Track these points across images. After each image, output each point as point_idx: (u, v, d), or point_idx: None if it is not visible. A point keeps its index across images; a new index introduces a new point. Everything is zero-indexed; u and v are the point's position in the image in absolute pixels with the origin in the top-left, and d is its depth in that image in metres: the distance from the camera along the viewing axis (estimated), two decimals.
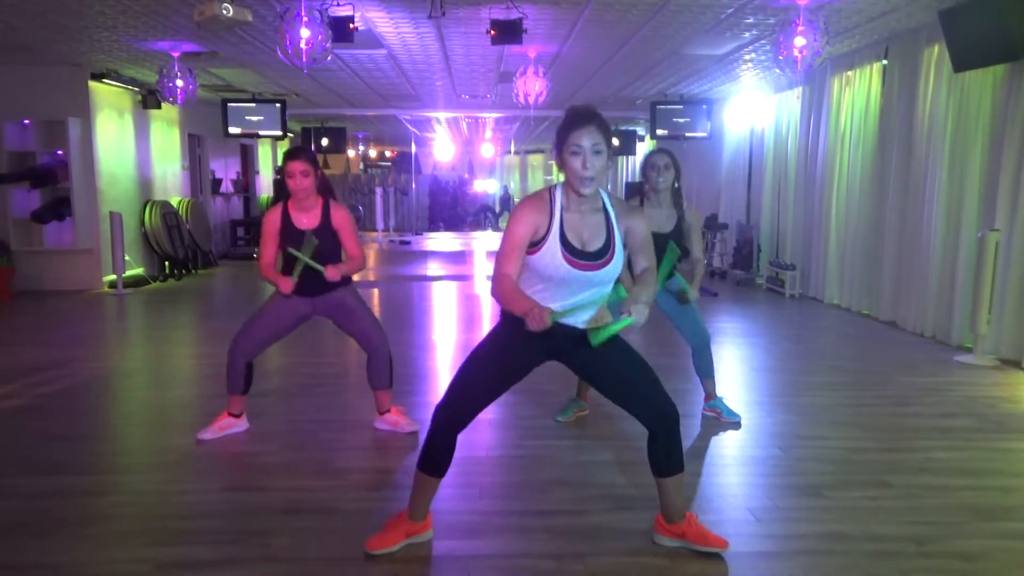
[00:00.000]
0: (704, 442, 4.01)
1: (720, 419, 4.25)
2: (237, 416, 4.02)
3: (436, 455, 2.69)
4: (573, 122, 2.45)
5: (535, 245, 2.51)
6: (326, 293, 3.85)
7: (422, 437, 3.91)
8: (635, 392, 2.64)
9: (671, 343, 5.77)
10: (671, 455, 2.67)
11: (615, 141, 2.56)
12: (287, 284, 3.72)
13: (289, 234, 3.76)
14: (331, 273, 3.72)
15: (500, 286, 2.48)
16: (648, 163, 4.03)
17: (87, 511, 3.10)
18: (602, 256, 2.53)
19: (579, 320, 2.60)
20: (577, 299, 2.54)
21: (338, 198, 3.97)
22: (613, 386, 2.68)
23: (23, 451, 3.80)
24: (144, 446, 4.02)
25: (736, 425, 4.20)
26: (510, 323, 2.61)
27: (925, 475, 3.50)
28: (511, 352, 2.66)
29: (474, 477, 3.43)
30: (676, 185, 4.06)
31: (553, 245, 2.49)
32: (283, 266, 3.85)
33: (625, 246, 2.60)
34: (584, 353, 2.61)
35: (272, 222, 3.78)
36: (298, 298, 3.83)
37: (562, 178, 2.57)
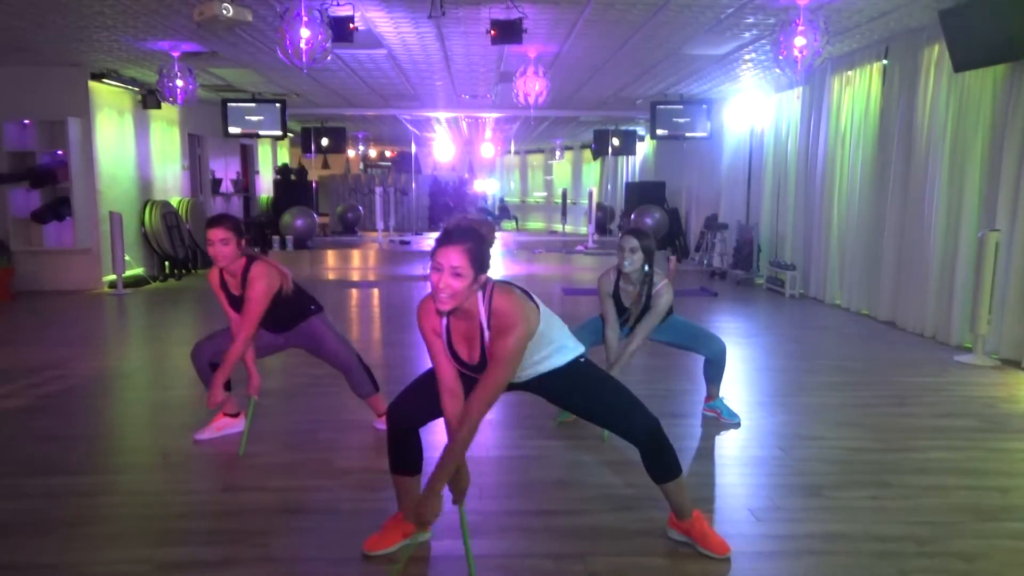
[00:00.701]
0: (704, 442, 4.01)
1: (720, 419, 4.25)
2: (234, 416, 4.01)
3: (401, 453, 2.74)
4: (441, 239, 2.38)
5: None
6: (294, 327, 3.89)
7: (425, 437, 3.93)
8: (611, 417, 2.71)
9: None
10: (662, 465, 2.69)
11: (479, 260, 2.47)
12: (213, 396, 3.65)
13: (229, 298, 3.76)
14: (212, 397, 3.64)
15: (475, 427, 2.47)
16: (618, 244, 3.94)
17: (87, 511, 3.10)
18: (482, 369, 2.49)
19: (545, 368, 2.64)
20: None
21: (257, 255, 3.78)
22: (589, 412, 2.75)
23: (23, 451, 3.80)
24: (144, 446, 4.02)
25: (736, 425, 4.20)
26: None
27: (925, 475, 3.50)
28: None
29: (474, 477, 3.40)
30: (646, 268, 3.89)
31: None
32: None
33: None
34: (553, 386, 2.69)
35: (214, 281, 3.79)
36: (268, 332, 3.87)
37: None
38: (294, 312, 3.86)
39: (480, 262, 2.36)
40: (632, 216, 12.69)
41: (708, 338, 4.21)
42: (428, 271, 2.37)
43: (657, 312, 3.97)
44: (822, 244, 8.51)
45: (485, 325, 2.44)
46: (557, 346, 2.63)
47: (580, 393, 2.71)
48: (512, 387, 2.64)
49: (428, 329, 2.54)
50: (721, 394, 4.36)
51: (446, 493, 2.51)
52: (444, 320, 2.51)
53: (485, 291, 2.43)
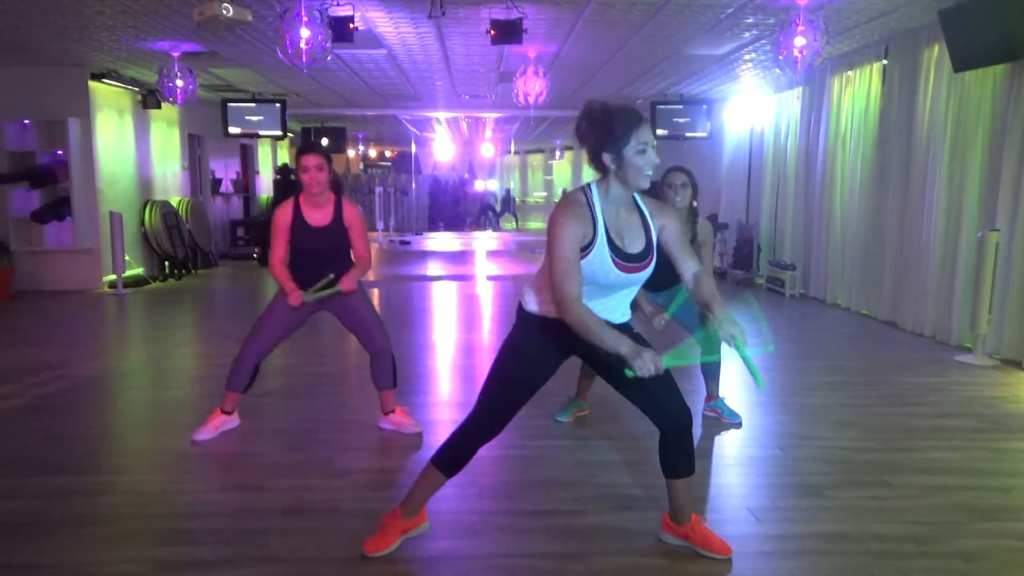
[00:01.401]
0: (704, 442, 4.01)
1: (721, 419, 4.25)
2: (230, 413, 4.01)
3: (459, 458, 2.70)
4: (637, 120, 2.40)
5: (582, 251, 2.43)
6: (334, 296, 3.85)
7: (428, 438, 3.94)
8: (651, 395, 2.62)
9: (673, 343, 5.76)
10: (683, 457, 2.66)
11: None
12: (296, 297, 3.71)
13: (300, 230, 3.76)
14: (347, 285, 3.75)
15: (582, 318, 2.35)
16: (665, 181, 3.95)
17: (87, 511, 3.10)
18: (644, 258, 2.50)
19: (618, 316, 2.58)
20: (682, 347, 2.51)
21: (349, 196, 3.97)
22: (631, 387, 2.62)
23: (23, 451, 3.80)
24: (144, 446, 4.02)
25: (737, 425, 4.21)
26: (527, 325, 2.61)
27: (925, 475, 3.50)
28: (535, 355, 2.63)
29: (474, 477, 3.42)
30: (694, 204, 3.97)
31: (602, 251, 2.43)
32: (291, 261, 3.83)
33: (659, 245, 2.56)
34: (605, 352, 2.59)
35: (283, 218, 3.77)
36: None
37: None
38: (340, 270, 3.83)
39: None
40: None
41: (709, 332, 4.16)
42: (635, 153, 2.38)
43: (709, 245, 3.98)
44: (822, 244, 8.51)
45: (644, 208, 2.52)
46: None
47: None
48: (571, 345, 2.59)
49: (574, 234, 2.40)
50: (721, 394, 4.36)
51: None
52: (601, 217, 2.45)
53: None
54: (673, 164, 4.09)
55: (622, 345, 2.30)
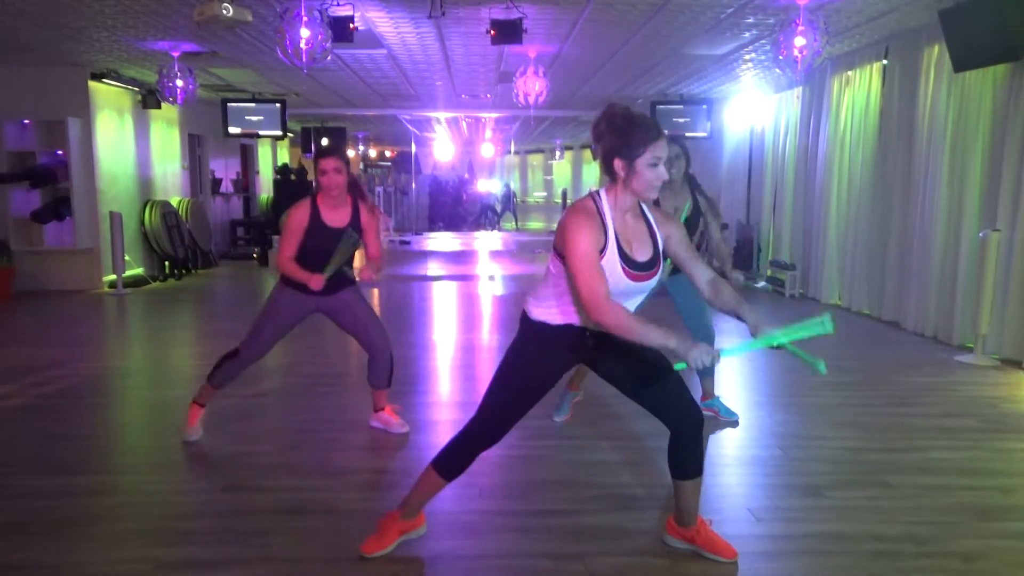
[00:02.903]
0: (704, 442, 4.00)
1: (718, 418, 4.25)
2: (204, 406, 3.98)
3: (460, 463, 2.69)
4: (653, 132, 2.39)
5: None
6: (333, 292, 3.84)
7: (428, 438, 3.94)
8: (661, 396, 2.61)
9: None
10: (692, 458, 2.65)
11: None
12: (318, 281, 3.68)
13: (317, 231, 3.74)
14: (367, 276, 3.80)
15: (619, 318, 2.32)
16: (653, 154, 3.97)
17: (87, 511, 3.10)
18: (652, 266, 2.50)
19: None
20: (745, 344, 2.46)
21: (367, 197, 3.98)
22: (639, 390, 2.63)
23: (23, 451, 3.80)
24: (144, 446, 4.02)
25: (734, 424, 4.20)
26: (532, 333, 2.59)
27: (925, 475, 3.50)
28: (539, 363, 2.62)
29: (474, 477, 3.41)
30: (689, 172, 4.02)
31: (612, 258, 2.41)
32: (298, 259, 3.78)
33: (665, 253, 2.55)
34: (613, 357, 2.60)
35: (299, 218, 3.75)
36: (304, 296, 3.78)
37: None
38: (343, 273, 3.83)
39: None
40: None
41: (703, 319, 4.14)
42: (646, 166, 2.38)
43: (715, 207, 4.03)
44: (822, 244, 8.50)
45: (651, 217, 2.52)
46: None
47: (638, 371, 2.60)
48: (578, 354, 2.60)
49: (590, 238, 2.37)
50: (719, 393, 4.35)
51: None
52: (611, 225, 2.43)
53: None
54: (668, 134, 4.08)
55: (670, 339, 2.28)
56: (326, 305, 3.88)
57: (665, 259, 2.55)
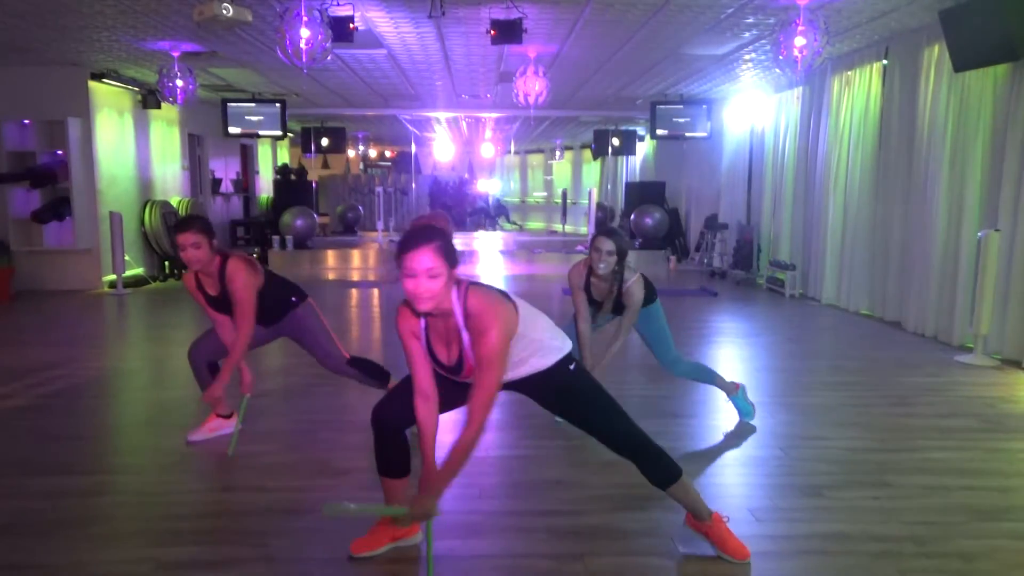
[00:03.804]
0: (704, 442, 4.01)
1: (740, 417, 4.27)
2: (227, 417, 4.00)
3: (387, 455, 2.72)
4: (405, 244, 2.30)
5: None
6: (283, 317, 3.86)
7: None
8: (595, 431, 2.71)
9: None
10: (655, 472, 2.70)
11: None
12: (211, 392, 3.65)
13: (207, 298, 3.70)
14: (217, 389, 3.63)
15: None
16: (593, 244, 3.93)
17: (87, 511, 3.10)
18: (459, 371, 2.50)
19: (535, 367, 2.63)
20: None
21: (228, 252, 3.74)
22: (578, 418, 2.75)
23: (23, 451, 3.80)
24: (144, 446, 4.02)
25: (747, 424, 4.21)
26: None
27: (925, 475, 3.50)
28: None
29: (474, 477, 3.42)
30: (617, 269, 3.92)
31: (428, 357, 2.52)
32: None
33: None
34: (541, 389, 2.70)
35: (190, 285, 3.72)
36: (257, 326, 3.77)
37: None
38: (275, 303, 3.83)
39: (452, 257, 2.33)
40: (632, 216, 12.68)
41: (668, 351, 4.16)
42: (398, 279, 2.32)
43: (632, 311, 4.01)
44: (822, 244, 8.50)
45: (462, 326, 2.40)
46: (539, 347, 2.59)
47: (566, 397, 2.71)
48: (504, 387, 2.63)
49: (407, 332, 2.50)
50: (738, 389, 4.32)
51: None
52: (423, 322, 2.48)
53: (460, 290, 2.39)
54: (607, 228, 4.11)
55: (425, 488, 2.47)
56: (282, 331, 3.93)
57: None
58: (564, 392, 2.69)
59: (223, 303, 3.66)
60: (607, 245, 3.87)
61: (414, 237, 2.29)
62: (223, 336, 3.73)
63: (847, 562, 2.70)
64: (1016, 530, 2.98)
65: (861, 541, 2.85)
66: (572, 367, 2.67)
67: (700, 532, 2.76)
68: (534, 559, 2.72)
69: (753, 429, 4.17)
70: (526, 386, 2.69)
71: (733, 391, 4.27)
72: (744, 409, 4.26)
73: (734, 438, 4.05)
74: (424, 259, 2.26)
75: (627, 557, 2.74)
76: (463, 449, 2.40)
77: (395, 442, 2.71)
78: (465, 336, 2.41)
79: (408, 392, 2.61)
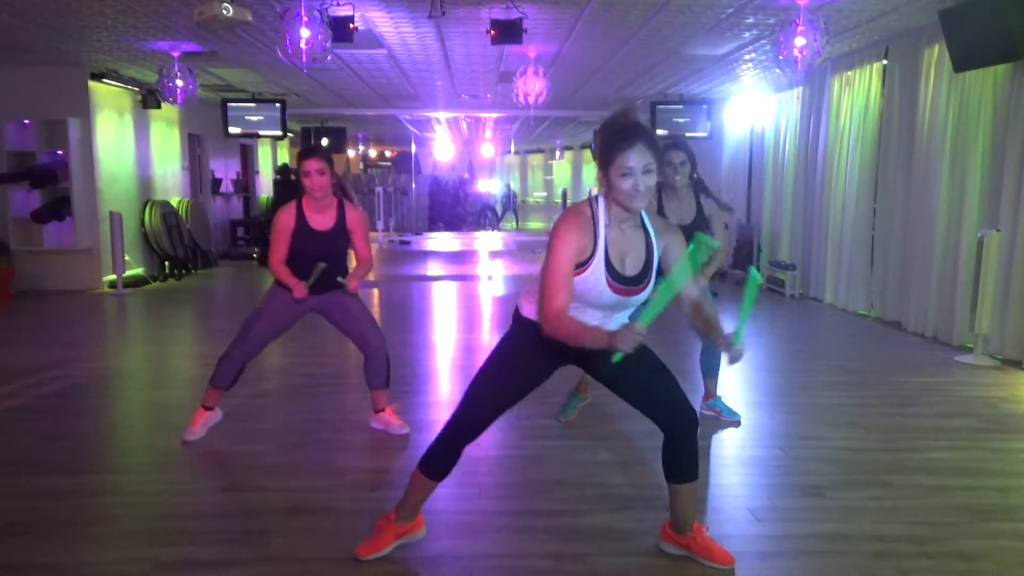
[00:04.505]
0: (704, 442, 3.99)
1: (720, 418, 4.25)
2: (211, 409, 3.97)
3: (445, 462, 2.66)
4: (621, 141, 2.28)
5: (578, 267, 2.37)
6: (327, 292, 3.82)
7: (417, 437, 3.94)
8: (656, 399, 2.58)
9: (675, 342, 5.77)
10: (687, 461, 2.62)
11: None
12: (301, 289, 3.69)
13: (302, 234, 3.73)
14: (353, 285, 3.75)
15: (563, 325, 2.30)
16: (664, 161, 3.89)
17: (87, 511, 3.10)
18: (640, 282, 2.44)
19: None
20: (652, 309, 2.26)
21: (353, 198, 3.95)
22: (634, 392, 2.60)
23: (23, 451, 3.80)
24: (144, 446, 4.02)
25: (736, 424, 4.20)
26: (523, 330, 2.56)
27: (925, 475, 3.50)
28: (527, 361, 2.59)
29: (474, 477, 3.43)
30: (694, 176, 4.00)
31: (597, 269, 2.37)
32: (288, 261, 3.78)
33: (661, 265, 2.49)
34: (600, 357, 2.48)
35: (285, 221, 3.73)
36: (300, 299, 3.76)
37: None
38: (336, 273, 3.80)
39: (660, 154, 2.35)
40: None
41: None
42: (608, 180, 2.30)
43: (718, 217, 3.99)
44: (822, 244, 8.50)
45: (650, 228, 2.42)
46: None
47: (633, 372, 2.51)
48: (566, 352, 2.51)
49: (573, 246, 2.34)
50: (720, 393, 4.35)
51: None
52: (603, 232, 2.37)
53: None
54: (672, 141, 4.06)
55: (603, 338, 2.24)
56: (319, 305, 3.86)
57: (660, 274, 2.44)
58: (641, 352, 2.36)
59: (328, 238, 3.73)
60: (678, 156, 3.86)
61: (628, 133, 2.28)
62: (290, 272, 3.73)
63: (847, 562, 2.70)
64: (1016, 530, 2.98)
65: (861, 541, 2.85)
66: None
67: (680, 545, 2.71)
68: (534, 559, 2.72)
69: (760, 426, 4.17)
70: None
71: (713, 396, 4.28)
72: (726, 409, 4.28)
73: (734, 438, 4.05)
74: (646, 156, 2.28)
75: (627, 557, 2.74)
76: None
77: (458, 453, 2.65)
78: (655, 239, 2.44)
79: (490, 411, 2.59)
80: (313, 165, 3.63)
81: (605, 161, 2.32)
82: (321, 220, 3.74)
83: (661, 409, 2.59)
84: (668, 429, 2.60)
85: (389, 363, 4.01)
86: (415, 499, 2.72)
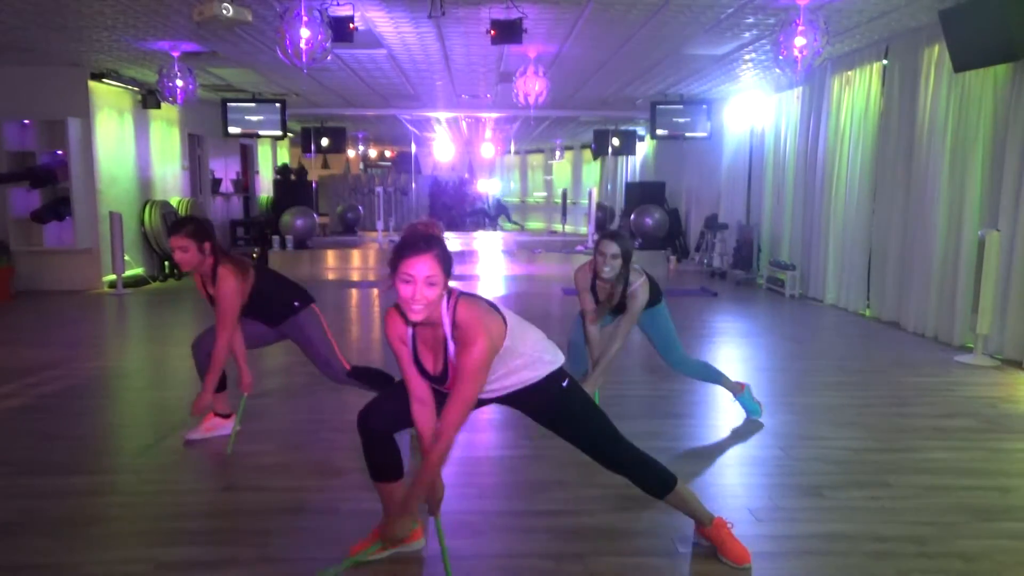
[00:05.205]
0: (704, 442, 4.01)
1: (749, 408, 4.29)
2: (225, 416, 4.00)
3: (377, 460, 2.66)
4: (399, 251, 2.29)
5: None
6: (286, 320, 3.86)
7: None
8: (585, 449, 2.69)
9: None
10: (647, 484, 2.71)
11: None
12: (198, 404, 3.66)
13: (208, 298, 3.74)
14: (195, 410, 3.67)
15: (449, 446, 2.42)
16: (597, 248, 3.92)
17: (87, 511, 3.10)
18: (443, 381, 2.47)
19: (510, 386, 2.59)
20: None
21: (234, 262, 3.71)
22: (567, 434, 2.70)
23: (23, 451, 3.80)
24: (143, 446, 4.01)
25: (755, 421, 4.24)
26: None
27: (925, 475, 3.50)
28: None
29: (474, 477, 3.43)
30: (622, 272, 3.92)
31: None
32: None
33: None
34: (529, 403, 2.66)
35: (197, 283, 3.77)
36: (261, 324, 3.87)
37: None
38: (277, 304, 3.85)
39: (448, 266, 2.32)
40: (632, 216, 12.68)
41: (674, 350, 4.22)
42: (393, 283, 2.29)
43: (632, 314, 4.01)
44: (822, 244, 8.50)
45: (449, 336, 2.37)
46: (530, 360, 2.54)
47: (558, 413, 2.66)
48: (489, 401, 2.63)
49: (395, 338, 2.49)
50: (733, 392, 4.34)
51: (421, 507, 2.48)
52: (410, 329, 2.46)
53: (449, 301, 2.36)
54: (610, 231, 4.08)
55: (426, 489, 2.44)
56: (285, 333, 3.93)
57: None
58: (555, 407, 2.64)
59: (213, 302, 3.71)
60: (612, 248, 3.86)
61: (415, 243, 2.28)
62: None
63: (847, 562, 2.70)
64: (1016, 530, 2.98)
65: (861, 541, 2.85)
66: (565, 383, 2.62)
67: (704, 536, 2.76)
68: (534, 559, 2.72)
69: (760, 426, 4.17)
70: (517, 400, 2.65)
71: (739, 391, 4.28)
72: (751, 408, 4.28)
73: (734, 438, 4.05)
74: (424, 266, 2.25)
75: (627, 557, 2.74)
76: (434, 464, 2.37)
77: (384, 447, 2.64)
78: (451, 347, 2.38)
79: (394, 398, 2.61)
80: (176, 243, 3.54)
81: (392, 266, 2.32)
82: (208, 285, 3.71)
83: (593, 456, 2.71)
84: (611, 465, 2.72)
85: (367, 380, 3.97)
86: (389, 506, 2.70)
